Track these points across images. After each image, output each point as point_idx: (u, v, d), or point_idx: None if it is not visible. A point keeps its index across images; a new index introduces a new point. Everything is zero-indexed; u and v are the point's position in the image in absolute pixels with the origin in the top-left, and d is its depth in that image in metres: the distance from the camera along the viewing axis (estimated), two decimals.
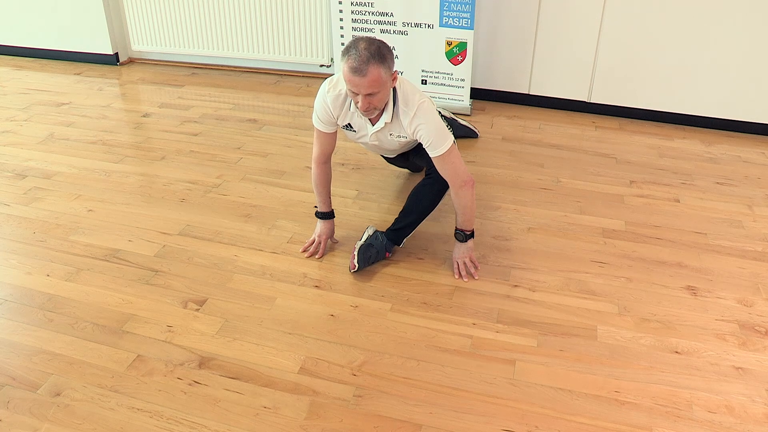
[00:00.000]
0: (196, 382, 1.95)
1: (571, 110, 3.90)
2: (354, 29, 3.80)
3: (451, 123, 3.17)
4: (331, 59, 4.31)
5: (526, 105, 3.96)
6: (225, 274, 2.43)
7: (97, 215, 2.82)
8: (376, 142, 2.46)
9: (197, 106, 4.02)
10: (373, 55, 2.06)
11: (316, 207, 2.58)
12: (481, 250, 2.56)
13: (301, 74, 4.52)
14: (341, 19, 3.82)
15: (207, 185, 3.06)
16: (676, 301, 2.30)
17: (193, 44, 4.58)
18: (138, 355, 2.05)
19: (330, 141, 2.46)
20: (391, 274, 2.43)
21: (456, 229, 2.45)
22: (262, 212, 2.83)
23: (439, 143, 2.27)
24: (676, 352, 2.06)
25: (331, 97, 2.32)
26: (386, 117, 2.29)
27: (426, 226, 2.66)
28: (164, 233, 2.68)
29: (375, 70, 2.07)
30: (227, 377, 1.96)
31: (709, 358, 2.04)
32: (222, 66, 4.69)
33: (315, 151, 2.48)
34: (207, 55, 4.63)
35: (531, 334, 2.13)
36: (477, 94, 3.99)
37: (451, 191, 2.38)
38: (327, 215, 2.56)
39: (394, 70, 2.17)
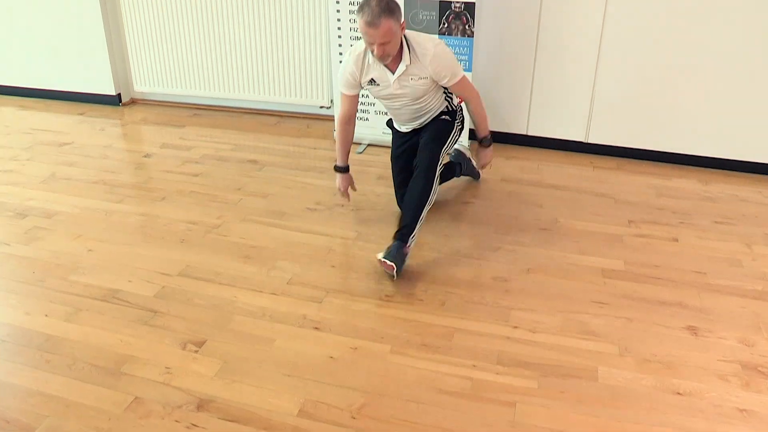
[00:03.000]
0: (194, 425, 1.93)
1: (569, 150, 3.93)
2: None
3: (465, 160, 3.40)
4: (331, 101, 4.36)
5: (524, 146, 4.00)
6: (224, 315, 2.43)
7: (98, 255, 2.82)
8: (400, 91, 2.75)
9: (198, 146, 4.06)
10: (383, 10, 2.45)
11: (335, 163, 3.01)
12: (480, 291, 2.56)
13: (302, 115, 4.57)
14: (341, 61, 3.86)
15: (207, 226, 3.07)
16: (677, 341, 2.29)
17: (194, 85, 4.64)
18: (136, 397, 2.03)
19: (353, 103, 2.87)
20: (390, 316, 2.42)
21: (482, 137, 2.97)
22: (262, 253, 2.83)
23: (456, 73, 2.72)
24: (678, 393, 2.05)
25: (353, 58, 2.73)
26: (406, 60, 2.66)
27: (427, 267, 2.67)
28: (164, 274, 2.68)
29: (386, 22, 2.46)
30: (226, 420, 1.94)
31: (711, 400, 2.02)
32: (223, 107, 4.75)
33: (340, 112, 2.91)
34: (208, 96, 4.69)
35: (532, 376, 2.12)
36: (476, 135, 4.03)
37: (471, 107, 2.87)
38: (343, 169, 3.00)
39: (402, 20, 2.55)
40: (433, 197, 2.75)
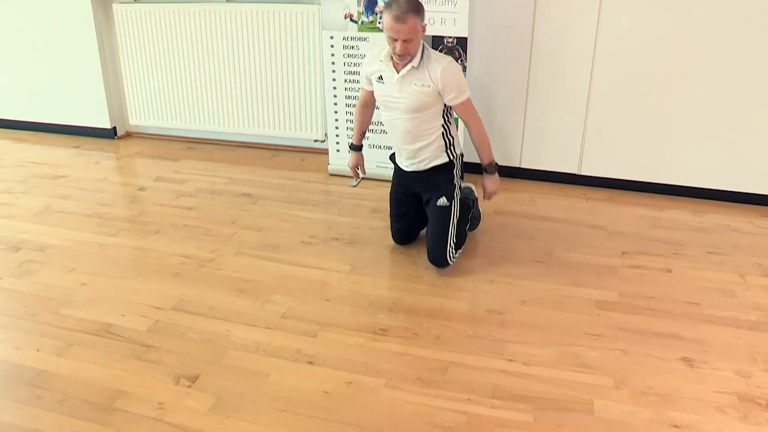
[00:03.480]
0: None
1: (562, 182, 3.96)
2: (348, 105, 3.89)
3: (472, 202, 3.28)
4: (325, 134, 4.39)
5: (517, 178, 4.03)
6: (218, 349, 2.41)
7: (91, 289, 2.81)
8: (398, 94, 2.77)
9: (193, 180, 4.07)
10: (411, 8, 2.55)
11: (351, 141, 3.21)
12: (474, 324, 2.55)
13: (296, 149, 4.60)
14: (335, 96, 3.92)
15: (201, 259, 3.06)
16: (673, 372, 2.28)
17: (189, 119, 4.67)
18: None
19: (368, 93, 3.03)
20: (385, 350, 2.41)
21: (486, 165, 2.95)
22: (256, 287, 2.83)
23: (462, 92, 2.77)
24: (676, 426, 2.03)
25: (366, 60, 2.91)
26: (414, 62, 2.71)
27: (421, 300, 2.66)
28: (157, 308, 2.67)
29: (413, 20, 2.55)
30: None
31: None
32: (218, 140, 4.77)
33: (360, 98, 3.11)
34: (203, 130, 4.72)
35: (527, 410, 2.10)
36: (469, 168, 4.04)
37: (473, 133, 2.89)
38: (355, 148, 3.17)
39: (425, 23, 2.65)
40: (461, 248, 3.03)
